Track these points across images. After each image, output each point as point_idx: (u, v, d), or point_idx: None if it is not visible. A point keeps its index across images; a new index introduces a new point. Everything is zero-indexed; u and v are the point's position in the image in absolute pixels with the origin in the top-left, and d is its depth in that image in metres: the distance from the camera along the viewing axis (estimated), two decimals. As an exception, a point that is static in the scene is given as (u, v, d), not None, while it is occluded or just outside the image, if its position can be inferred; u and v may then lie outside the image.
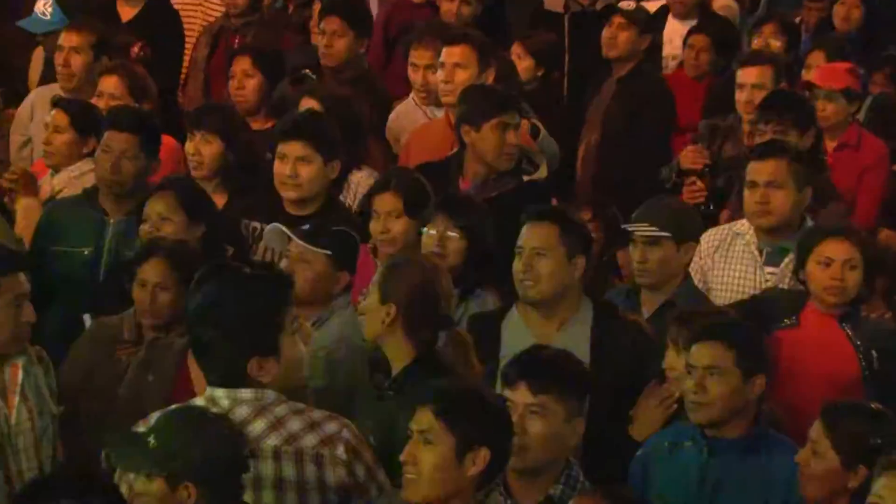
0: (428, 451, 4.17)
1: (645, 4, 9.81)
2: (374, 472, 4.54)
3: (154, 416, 4.31)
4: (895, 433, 4.54)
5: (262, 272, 4.92)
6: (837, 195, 7.07)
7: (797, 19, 10.11)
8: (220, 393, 4.44)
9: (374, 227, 6.12)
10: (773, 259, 6.29)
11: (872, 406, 4.74)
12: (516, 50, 8.59)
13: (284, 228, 5.81)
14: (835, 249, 5.77)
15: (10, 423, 4.97)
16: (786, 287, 6.14)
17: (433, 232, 5.88)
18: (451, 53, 7.59)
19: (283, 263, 5.66)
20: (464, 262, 5.82)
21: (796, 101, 7.35)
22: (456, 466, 4.18)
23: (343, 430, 4.51)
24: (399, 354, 5.07)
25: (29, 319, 5.03)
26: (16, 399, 5.00)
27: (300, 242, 5.67)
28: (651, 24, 9.20)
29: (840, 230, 5.96)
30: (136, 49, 8.53)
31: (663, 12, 10.18)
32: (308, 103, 7.15)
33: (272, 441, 4.41)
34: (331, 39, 8.14)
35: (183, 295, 5.18)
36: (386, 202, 6.11)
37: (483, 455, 4.19)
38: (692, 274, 6.20)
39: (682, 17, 10.05)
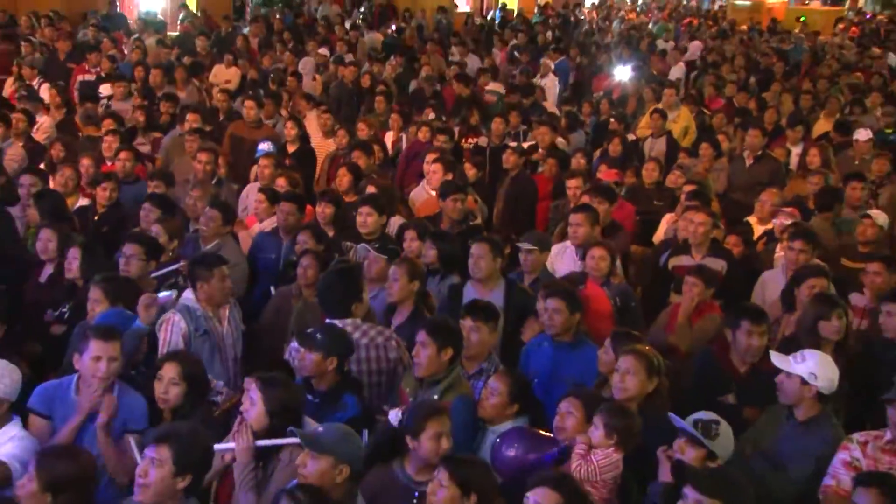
0: (424, 350, 4.00)
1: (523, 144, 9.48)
2: (406, 355, 4.42)
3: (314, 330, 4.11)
4: (639, 340, 4.36)
5: (349, 267, 4.84)
6: (623, 228, 6.79)
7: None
8: (336, 322, 4.35)
9: (406, 245, 5.89)
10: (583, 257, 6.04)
11: (632, 331, 4.53)
12: (467, 165, 8.24)
13: (368, 246, 5.66)
14: (596, 251, 5.58)
15: (223, 334, 4.74)
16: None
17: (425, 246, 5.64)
18: (434, 164, 7.45)
19: (365, 263, 5.45)
20: (440, 262, 5.57)
21: (607, 188, 6.96)
22: (438, 357, 4.01)
23: (392, 334, 4.50)
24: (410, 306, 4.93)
25: (229, 286, 4.82)
26: (225, 323, 4.77)
27: (373, 252, 5.49)
28: (525, 153, 8.89)
29: (599, 242, 5.76)
30: (286, 161, 8.26)
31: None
32: (371, 188, 6.90)
33: (364, 340, 4.35)
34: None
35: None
36: (409, 234, 5.91)
37: (451, 351, 4.05)
38: (547, 265, 5.96)
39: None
